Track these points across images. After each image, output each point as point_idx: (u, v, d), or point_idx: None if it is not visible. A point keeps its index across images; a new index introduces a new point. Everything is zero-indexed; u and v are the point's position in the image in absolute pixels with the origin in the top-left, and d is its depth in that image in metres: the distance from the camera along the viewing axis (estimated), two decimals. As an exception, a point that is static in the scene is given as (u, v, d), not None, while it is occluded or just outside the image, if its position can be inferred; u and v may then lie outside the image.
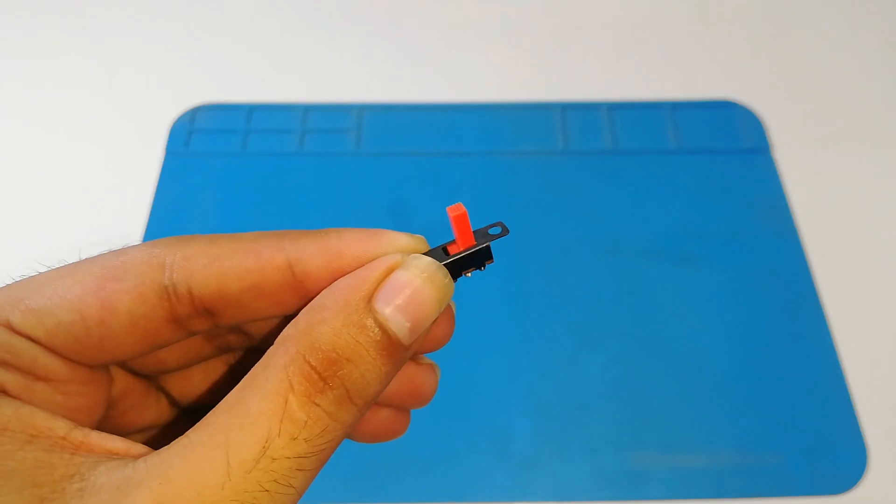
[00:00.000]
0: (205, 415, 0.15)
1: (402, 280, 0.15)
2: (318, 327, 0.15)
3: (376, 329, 0.15)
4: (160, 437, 0.19)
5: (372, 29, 0.52)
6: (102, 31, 0.52)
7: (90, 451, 0.14)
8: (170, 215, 0.43)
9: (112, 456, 0.14)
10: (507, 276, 0.41)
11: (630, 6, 0.53)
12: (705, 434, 0.36)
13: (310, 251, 0.16)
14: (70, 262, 0.16)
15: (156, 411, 0.19)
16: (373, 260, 0.16)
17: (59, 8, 0.53)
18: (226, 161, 0.45)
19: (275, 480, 0.14)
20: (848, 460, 0.35)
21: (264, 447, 0.13)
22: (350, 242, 0.16)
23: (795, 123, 0.47)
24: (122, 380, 0.18)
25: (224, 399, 0.15)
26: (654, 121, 0.47)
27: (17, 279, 0.16)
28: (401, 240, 0.17)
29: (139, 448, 0.15)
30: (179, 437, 0.14)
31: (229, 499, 0.13)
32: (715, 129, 0.46)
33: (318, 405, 0.14)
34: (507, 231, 0.18)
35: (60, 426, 0.14)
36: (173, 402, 0.20)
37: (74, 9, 0.53)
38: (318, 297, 0.16)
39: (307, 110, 0.47)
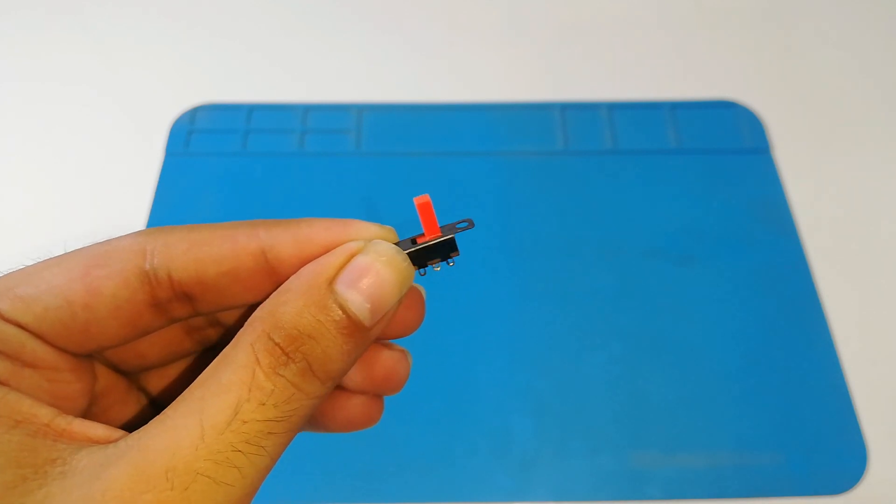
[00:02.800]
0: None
1: (362, 263, 0.16)
2: (282, 308, 0.16)
3: (337, 309, 0.16)
4: None
5: (372, 29, 0.52)
6: (102, 31, 0.52)
7: (73, 438, 0.15)
8: (170, 215, 0.43)
9: (94, 442, 0.15)
10: (507, 275, 0.41)
11: (630, 6, 0.53)
12: (705, 434, 0.36)
13: (282, 238, 0.17)
14: (58, 254, 0.17)
15: (136, 410, 0.20)
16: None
17: (59, 7, 0.53)
18: (226, 161, 0.45)
19: (246, 441, 0.15)
20: (848, 460, 0.35)
21: (235, 410, 0.14)
22: (320, 230, 0.17)
23: (795, 123, 0.47)
24: (104, 377, 0.19)
25: (198, 377, 0.16)
26: (654, 121, 0.47)
27: (6, 271, 0.16)
28: (370, 229, 0.18)
29: (119, 433, 0.15)
30: (159, 416, 0.15)
31: (203, 458, 0.14)
32: (715, 128, 0.46)
33: (282, 376, 0.15)
34: (473, 225, 0.19)
35: (45, 413, 0.15)
36: (153, 401, 0.21)
37: (74, 8, 0.53)
38: (286, 281, 0.17)
39: (307, 110, 0.47)
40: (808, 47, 0.51)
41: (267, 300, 0.17)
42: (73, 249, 0.17)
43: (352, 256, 0.17)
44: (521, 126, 0.47)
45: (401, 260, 0.17)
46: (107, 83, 0.49)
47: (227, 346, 0.16)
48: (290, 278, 0.17)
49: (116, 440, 0.15)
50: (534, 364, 0.38)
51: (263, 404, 0.15)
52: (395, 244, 0.18)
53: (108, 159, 0.46)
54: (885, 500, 0.35)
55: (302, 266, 0.17)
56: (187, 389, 0.15)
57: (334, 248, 0.17)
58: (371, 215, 0.43)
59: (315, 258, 0.17)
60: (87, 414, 0.18)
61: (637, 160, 0.45)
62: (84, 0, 0.53)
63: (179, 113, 0.47)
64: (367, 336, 0.17)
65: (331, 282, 0.16)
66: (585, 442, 0.36)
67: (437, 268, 0.19)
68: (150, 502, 0.13)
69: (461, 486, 0.35)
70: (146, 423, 0.17)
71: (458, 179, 0.44)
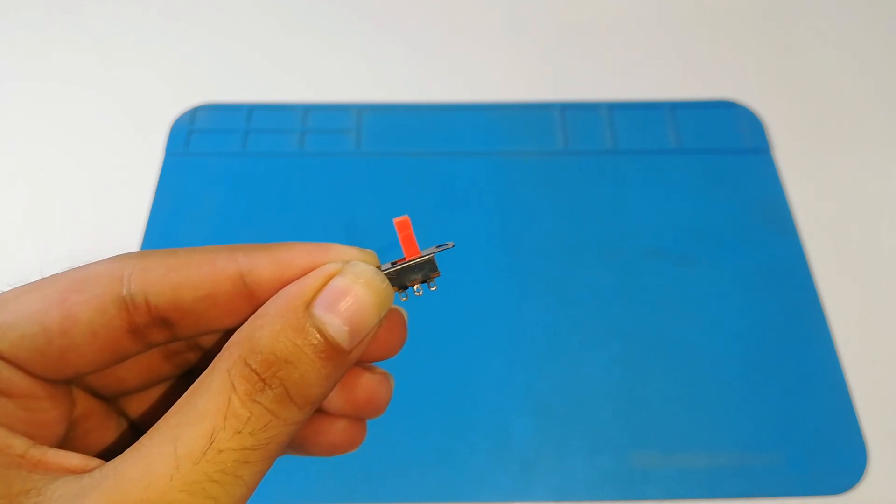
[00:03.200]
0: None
1: (340, 285, 0.16)
2: (259, 332, 0.15)
3: (315, 333, 0.16)
4: None
5: (372, 29, 0.52)
6: (102, 31, 0.52)
7: (48, 468, 0.15)
8: (169, 215, 0.43)
9: (69, 472, 0.15)
10: (507, 275, 0.41)
11: (630, 6, 0.53)
12: (705, 434, 0.36)
13: (261, 262, 0.17)
14: (35, 279, 0.17)
15: (116, 435, 0.20)
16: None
17: (59, 7, 0.53)
18: (226, 161, 0.45)
19: (222, 471, 0.14)
20: (848, 460, 0.35)
21: (210, 439, 0.14)
22: (300, 254, 0.17)
23: (795, 123, 0.47)
24: (83, 402, 0.18)
25: (174, 404, 0.15)
26: (654, 121, 0.47)
27: None
28: (349, 252, 0.17)
29: (96, 462, 0.15)
30: (135, 445, 0.15)
31: (178, 489, 0.14)
32: (715, 128, 0.46)
33: (258, 402, 0.15)
34: (453, 245, 0.19)
35: (19, 444, 0.15)
36: (134, 426, 0.20)
37: (74, 8, 0.53)
38: (264, 304, 0.17)
39: (307, 110, 0.47)
40: (808, 47, 0.51)
41: (244, 324, 0.16)
42: (50, 275, 0.17)
43: (330, 278, 0.16)
44: (521, 126, 0.47)
45: (379, 281, 0.17)
46: (107, 83, 0.49)
47: (204, 372, 0.16)
48: (268, 301, 0.16)
49: (92, 469, 0.15)
50: (534, 364, 0.38)
51: (239, 432, 0.14)
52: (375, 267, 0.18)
53: (109, 159, 0.46)
54: (885, 500, 0.35)
55: (281, 289, 0.17)
56: (163, 417, 0.15)
57: (312, 270, 0.17)
58: (371, 215, 0.43)
59: (294, 281, 0.17)
60: (65, 440, 0.18)
61: (637, 160, 0.45)
62: (84, 0, 0.53)
63: (179, 113, 0.47)
64: (346, 359, 0.16)
65: (308, 304, 0.16)
66: (585, 442, 0.36)
67: (418, 291, 0.19)
68: None
69: (461, 486, 0.35)
70: (126, 448, 0.17)
71: (458, 179, 0.44)
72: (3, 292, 0.16)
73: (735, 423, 0.36)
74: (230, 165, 0.45)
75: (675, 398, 0.37)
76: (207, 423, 0.14)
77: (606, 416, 0.37)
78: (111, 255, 0.17)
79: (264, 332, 0.15)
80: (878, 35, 0.52)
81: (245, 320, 0.17)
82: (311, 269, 0.17)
